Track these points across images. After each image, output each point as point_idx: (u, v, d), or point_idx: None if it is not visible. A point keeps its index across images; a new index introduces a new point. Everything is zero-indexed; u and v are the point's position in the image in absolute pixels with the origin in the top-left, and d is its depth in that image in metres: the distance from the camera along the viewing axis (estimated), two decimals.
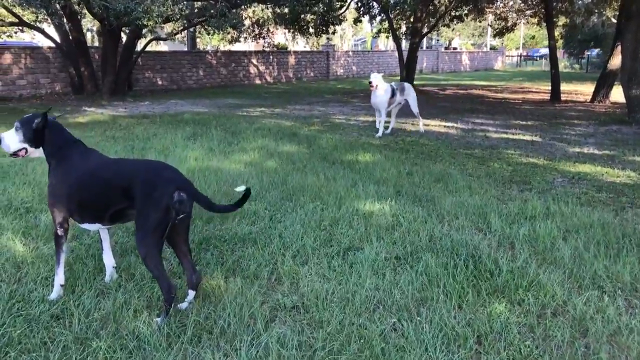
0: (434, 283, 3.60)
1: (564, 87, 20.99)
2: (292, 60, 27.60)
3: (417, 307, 3.35)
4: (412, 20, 22.38)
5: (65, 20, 16.64)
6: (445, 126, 11.60)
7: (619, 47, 15.15)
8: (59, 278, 3.50)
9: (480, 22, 27.62)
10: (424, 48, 42.28)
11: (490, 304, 3.37)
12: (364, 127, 11.41)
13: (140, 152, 8.18)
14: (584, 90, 21.11)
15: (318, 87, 23.94)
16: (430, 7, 21.66)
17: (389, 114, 10.72)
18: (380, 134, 10.22)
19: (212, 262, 4.01)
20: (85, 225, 3.49)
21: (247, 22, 23.31)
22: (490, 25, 26.57)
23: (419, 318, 3.18)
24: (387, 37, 32.66)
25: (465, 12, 24.34)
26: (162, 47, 38.60)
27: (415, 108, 10.70)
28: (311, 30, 23.68)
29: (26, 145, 3.46)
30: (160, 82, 21.83)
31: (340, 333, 3.03)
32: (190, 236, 4.37)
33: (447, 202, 5.53)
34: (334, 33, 24.53)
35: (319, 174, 6.74)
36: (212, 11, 14.28)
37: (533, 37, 47.38)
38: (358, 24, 24.73)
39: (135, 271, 3.81)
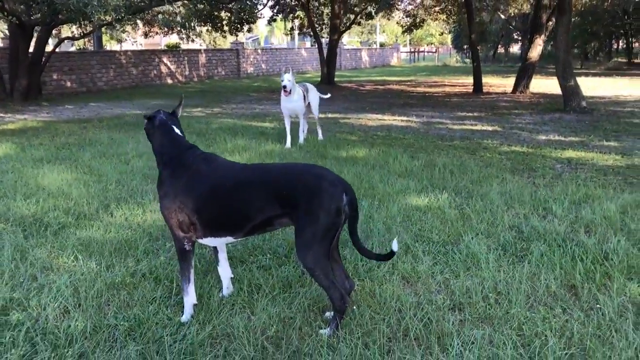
0: (569, 272, 3.63)
1: (468, 80, 22.13)
2: (202, 58, 26.80)
3: (571, 295, 3.37)
4: (326, 17, 22.59)
5: None
6: (401, 120, 11.78)
7: (537, 40, 16.27)
8: (191, 297, 3.15)
9: (388, 19, 28.38)
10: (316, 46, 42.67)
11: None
12: (324, 124, 11.30)
13: (123, 158, 7.57)
14: (492, 82, 22.32)
15: (235, 86, 23.44)
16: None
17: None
18: (302, 140, 8.71)
19: None
20: (208, 240, 3.15)
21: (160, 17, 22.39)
22: (398, 23, 27.36)
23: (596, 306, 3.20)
24: (287, 34, 32.46)
25: (374, 10, 24.94)
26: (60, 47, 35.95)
27: (316, 111, 9.11)
28: (225, 27, 23.15)
29: None
30: (69, 85, 20.31)
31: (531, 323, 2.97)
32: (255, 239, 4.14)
33: (485, 192, 5.61)
34: (249, 31, 24.09)
35: (338, 171, 6.59)
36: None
37: (442, 33, 49.43)
38: (273, 23, 24.45)
39: (245, 281, 3.51)
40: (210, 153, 3.26)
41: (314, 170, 3.05)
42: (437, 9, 23.49)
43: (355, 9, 23.58)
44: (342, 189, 2.92)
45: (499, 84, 21.40)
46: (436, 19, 24.80)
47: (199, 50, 27.33)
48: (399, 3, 24.22)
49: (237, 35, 25.27)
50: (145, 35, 23.07)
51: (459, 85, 21.48)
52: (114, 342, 2.87)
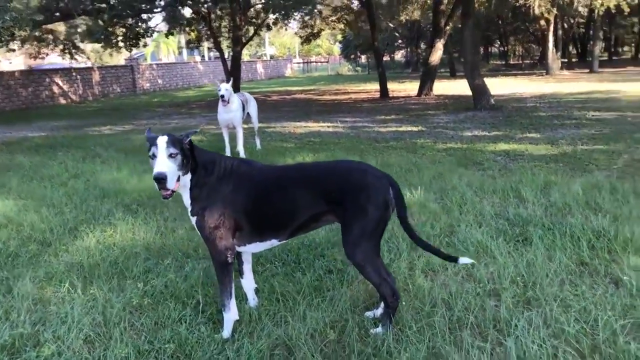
0: (574, 251, 3.81)
1: (369, 86, 22.81)
2: (96, 76, 25.55)
3: (589, 272, 3.54)
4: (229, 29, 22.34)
5: None
6: (327, 126, 11.87)
7: (438, 44, 17.04)
8: (232, 313, 2.98)
9: (286, 29, 28.56)
10: (212, 59, 41.87)
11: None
12: (251, 134, 11.12)
13: (57, 180, 7.02)
14: (391, 87, 22.96)
15: (134, 102, 22.50)
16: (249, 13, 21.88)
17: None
18: (242, 154, 8.10)
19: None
20: (252, 247, 3.01)
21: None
22: (296, 33, 27.61)
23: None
24: (184, 47, 31.82)
25: (273, 20, 25.03)
26: None
27: (256, 121, 9.19)
28: (120, 44, 22.22)
29: (181, 174, 2.82)
30: None
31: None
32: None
33: (453, 185, 5.78)
34: (145, 46, 23.31)
35: None
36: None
37: (340, 41, 50.25)
38: (170, 37, 23.81)
39: (276, 289, 3.38)
40: (246, 158, 3.13)
41: (357, 166, 3.03)
42: (334, 18, 23.95)
43: (254, 20, 23.52)
44: (387, 182, 2.91)
45: (399, 88, 22.17)
46: (334, 28, 25.28)
47: (91, 68, 26.02)
48: (296, 14, 24.42)
49: (130, 51, 24.37)
50: (35, 57, 21.64)
51: (363, 92, 21.99)
52: None
